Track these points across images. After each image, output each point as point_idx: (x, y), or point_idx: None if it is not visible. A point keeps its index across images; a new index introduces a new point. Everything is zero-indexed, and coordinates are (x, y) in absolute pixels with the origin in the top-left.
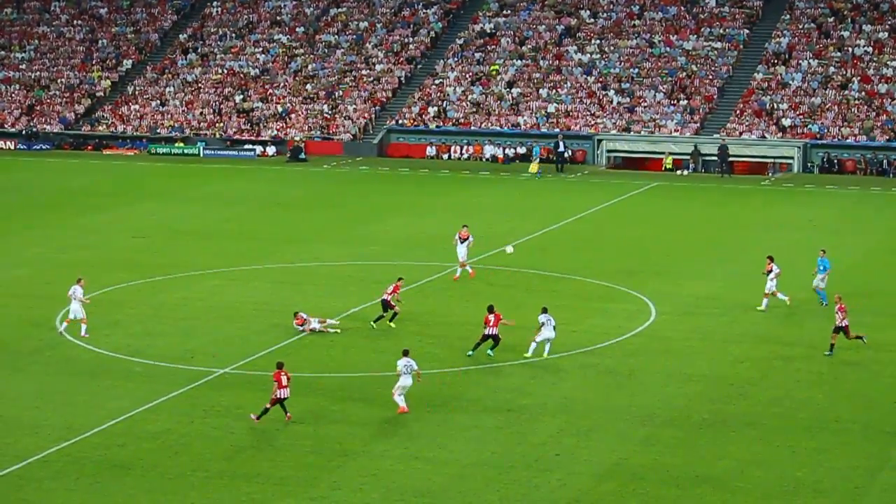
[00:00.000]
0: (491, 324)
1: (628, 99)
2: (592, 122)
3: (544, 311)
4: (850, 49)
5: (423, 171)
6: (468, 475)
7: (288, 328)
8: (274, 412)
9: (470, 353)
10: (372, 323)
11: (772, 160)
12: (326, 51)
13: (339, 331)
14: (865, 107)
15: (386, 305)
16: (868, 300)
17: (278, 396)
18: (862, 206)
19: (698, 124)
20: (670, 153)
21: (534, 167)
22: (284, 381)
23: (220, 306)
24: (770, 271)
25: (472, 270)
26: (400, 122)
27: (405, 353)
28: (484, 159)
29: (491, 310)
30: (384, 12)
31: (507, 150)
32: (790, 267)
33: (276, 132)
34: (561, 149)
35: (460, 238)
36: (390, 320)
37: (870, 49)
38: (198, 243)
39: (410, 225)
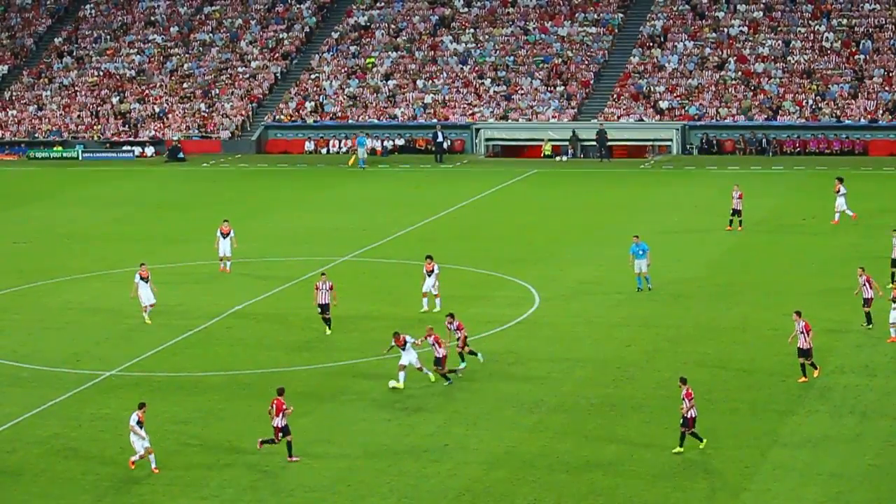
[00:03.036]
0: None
1: (505, 87)
2: (470, 112)
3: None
4: (726, 29)
5: (301, 166)
6: (358, 468)
7: (172, 328)
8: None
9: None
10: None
11: (650, 143)
12: (201, 49)
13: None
14: (742, 87)
15: (324, 308)
16: (749, 279)
17: (276, 425)
18: (742, 185)
19: (576, 110)
20: (549, 140)
21: (352, 161)
22: (274, 410)
23: (105, 309)
24: (431, 271)
25: (229, 267)
26: (277, 118)
27: (140, 407)
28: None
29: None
30: (258, 9)
31: (385, 143)
32: (673, 248)
33: (153, 132)
34: (439, 139)
35: (222, 233)
36: (329, 326)
37: (745, 29)
38: (79, 246)
39: (291, 220)
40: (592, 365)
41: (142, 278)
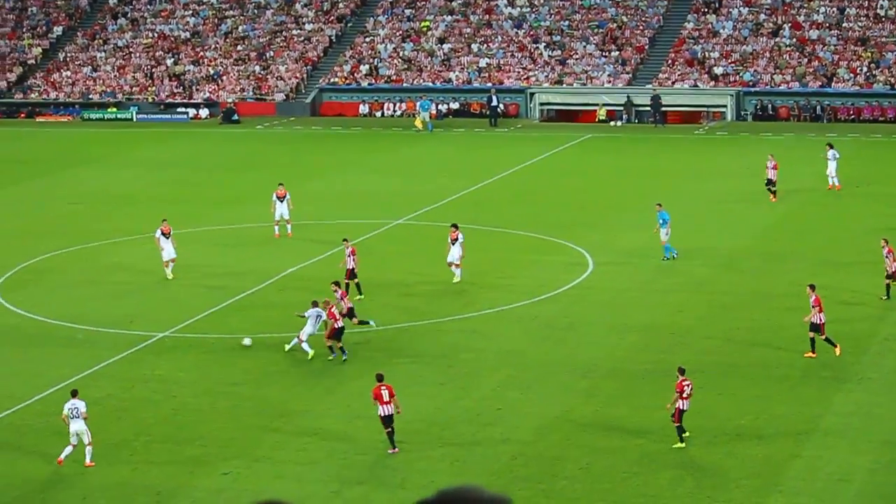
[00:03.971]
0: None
1: (559, 52)
2: (524, 76)
3: (314, 304)
4: None
5: (356, 130)
6: (411, 431)
7: (226, 290)
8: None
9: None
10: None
11: (705, 109)
12: (256, 12)
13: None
14: (797, 53)
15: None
16: (802, 246)
17: (380, 414)
18: (797, 152)
19: (630, 75)
20: (603, 105)
21: (419, 122)
22: (386, 396)
23: (158, 270)
24: (455, 240)
25: (290, 230)
26: (332, 80)
27: (73, 395)
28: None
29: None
30: None
31: (439, 107)
32: (726, 215)
33: (208, 95)
34: (494, 103)
35: (278, 197)
36: (359, 291)
37: None
38: (133, 208)
39: (345, 183)
40: (645, 330)
41: (163, 234)
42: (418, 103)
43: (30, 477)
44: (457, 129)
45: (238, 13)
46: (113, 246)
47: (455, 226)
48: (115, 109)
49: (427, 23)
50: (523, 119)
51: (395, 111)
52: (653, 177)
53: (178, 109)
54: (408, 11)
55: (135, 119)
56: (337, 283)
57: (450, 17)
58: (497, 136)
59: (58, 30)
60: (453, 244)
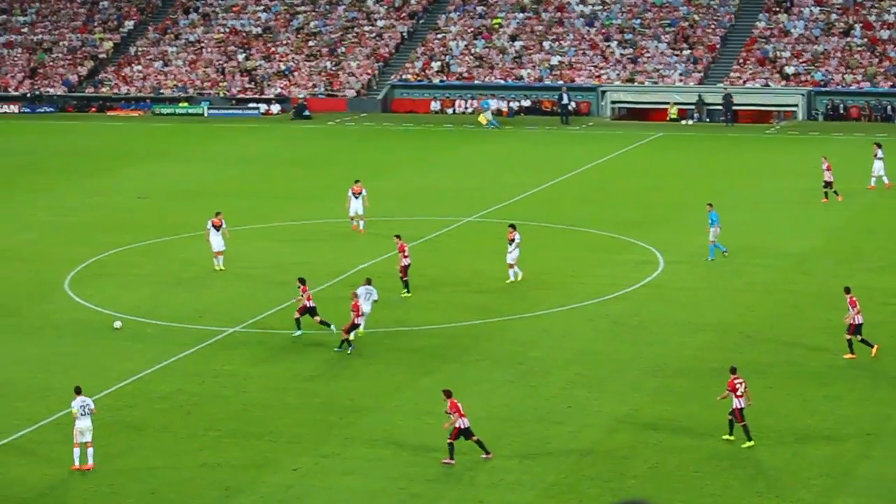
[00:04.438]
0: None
1: (631, 50)
2: (596, 74)
3: (368, 281)
4: None
5: (427, 126)
6: (480, 429)
7: (295, 286)
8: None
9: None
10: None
11: (776, 108)
12: (328, 7)
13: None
14: (868, 53)
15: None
16: (873, 247)
17: (459, 426)
18: (868, 152)
19: (702, 74)
20: (675, 103)
21: (482, 119)
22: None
23: (228, 265)
24: (512, 240)
25: (363, 227)
26: (403, 77)
27: (78, 392)
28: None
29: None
30: None
31: (511, 104)
32: (796, 215)
33: (279, 90)
34: (565, 101)
35: (353, 193)
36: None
37: None
38: (204, 203)
39: (416, 180)
40: (715, 329)
41: (214, 226)
42: (481, 103)
43: (99, 469)
44: (528, 126)
45: (310, 9)
46: (182, 241)
47: (513, 226)
48: (186, 104)
49: (499, 20)
50: (594, 117)
51: (466, 108)
52: (724, 176)
53: (250, 105)
54: (479, 8)
55: (206, 114)
56: (301, 280)
57: (521, 15)
58: (568, 134)
59: (129, 24)
60: (510, 244)
